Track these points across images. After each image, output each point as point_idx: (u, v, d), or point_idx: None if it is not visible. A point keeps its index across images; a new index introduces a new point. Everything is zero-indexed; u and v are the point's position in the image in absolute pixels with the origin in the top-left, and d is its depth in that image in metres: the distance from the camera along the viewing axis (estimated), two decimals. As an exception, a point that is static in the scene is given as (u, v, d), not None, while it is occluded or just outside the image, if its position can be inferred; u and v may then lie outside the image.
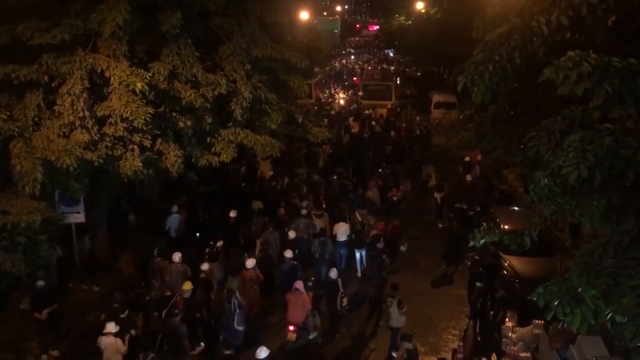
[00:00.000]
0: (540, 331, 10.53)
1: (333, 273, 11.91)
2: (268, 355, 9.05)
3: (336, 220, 14.71)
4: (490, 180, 19.53)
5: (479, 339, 11.30)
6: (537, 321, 10.58)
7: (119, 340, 9.50)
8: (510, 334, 10.64)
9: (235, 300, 10.74)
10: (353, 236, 14.39)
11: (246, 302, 11.25)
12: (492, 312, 10.95)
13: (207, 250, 12.80)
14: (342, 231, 14.14)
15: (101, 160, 10.10)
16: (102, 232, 13.95)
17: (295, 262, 12.37)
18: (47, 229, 9.92)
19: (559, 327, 8.45)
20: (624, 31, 7.02)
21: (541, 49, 6.23)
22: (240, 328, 10.82)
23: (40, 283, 10.70)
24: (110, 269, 13.60)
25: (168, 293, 11.00)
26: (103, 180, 12.21)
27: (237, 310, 10.72)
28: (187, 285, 10.93)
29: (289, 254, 12.37)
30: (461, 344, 10.98)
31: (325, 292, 11.86)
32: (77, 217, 12.73)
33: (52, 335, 10.87)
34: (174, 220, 14.26)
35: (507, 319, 10.97)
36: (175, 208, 14.46)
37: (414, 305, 12.56)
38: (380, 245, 13.91)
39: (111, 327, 9.46)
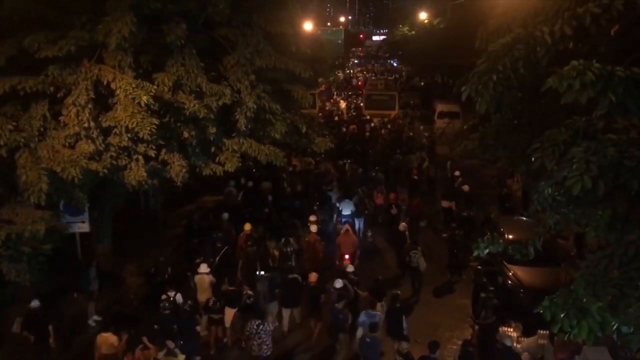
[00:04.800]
0: (545, 341, 10.46)
1: (402, 226, 14.95)
2: (342, 286, 11.30)
3: (343, 197, 17.76)
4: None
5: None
6: (542, 331, 10.51)
7: (212, 277, 12.03)
8: (515, 344, 10.56)
9: (290, 248, 13.52)
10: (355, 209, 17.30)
11: (306, 258, 14.06)
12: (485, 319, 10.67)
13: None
14: (345, 206, 17.11)
15: (106, 171, 10.10)
16: (107, 241, 13.97)
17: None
18: (52, 239, 9.93)
19: (565, 337, 8.39)
20: (628, 41, 7.04)
21: (545, 59, 6.23)
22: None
23: (35, 303, 10.32)
24: (113, 277, 13.64)
25: (218, 245, 13.50)
26: (107, 190, 12.23)
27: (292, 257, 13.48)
28: (248, 226, 13.81)
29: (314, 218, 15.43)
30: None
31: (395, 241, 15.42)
32: (82, 226, 12.72)
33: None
34: (230, 194, 17.77)
35: (510, 328, 10.88)
36: (232, 183, 17.77)
37: (418, 314, 12.49)
38: (394, 212, 16.38)
39: (204, 267, 12.05)
